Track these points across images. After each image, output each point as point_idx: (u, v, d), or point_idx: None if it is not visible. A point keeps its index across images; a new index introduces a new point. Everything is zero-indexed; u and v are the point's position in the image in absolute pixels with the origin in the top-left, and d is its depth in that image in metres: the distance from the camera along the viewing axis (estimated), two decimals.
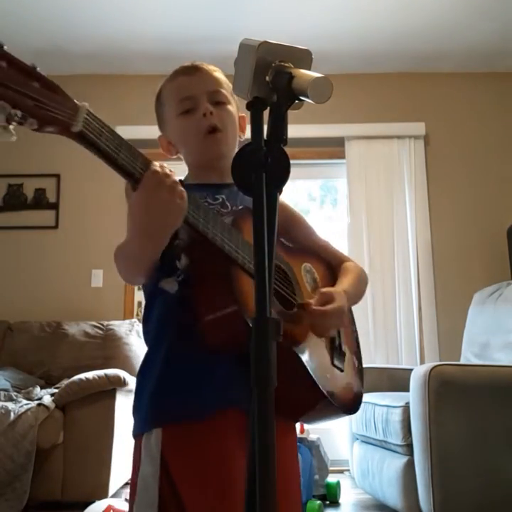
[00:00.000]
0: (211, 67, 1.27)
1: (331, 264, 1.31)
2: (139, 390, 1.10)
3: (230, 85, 1.25)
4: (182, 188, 0.97)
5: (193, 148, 1.23)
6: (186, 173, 1.29)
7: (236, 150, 1.23)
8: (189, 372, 1.04)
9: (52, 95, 0.85)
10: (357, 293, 1.25)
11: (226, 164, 1.21)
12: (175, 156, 1.29)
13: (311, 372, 1.04)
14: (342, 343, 1.21)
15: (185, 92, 1.23)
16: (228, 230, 1.02)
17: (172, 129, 1.26)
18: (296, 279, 1.17)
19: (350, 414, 1.17)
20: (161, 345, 1.08)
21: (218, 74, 1.27)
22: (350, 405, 1.17)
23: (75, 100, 0.88)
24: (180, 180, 1.22)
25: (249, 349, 0.96)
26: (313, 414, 1.13)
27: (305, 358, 1.05)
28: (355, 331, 1.33)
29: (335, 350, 1.18)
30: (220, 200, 1.19)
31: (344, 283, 1.21)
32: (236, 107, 1.28)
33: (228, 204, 1.19)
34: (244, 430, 1.01)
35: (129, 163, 0.93)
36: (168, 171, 0.97)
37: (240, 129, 1.29)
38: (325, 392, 1.06)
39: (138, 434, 1.07)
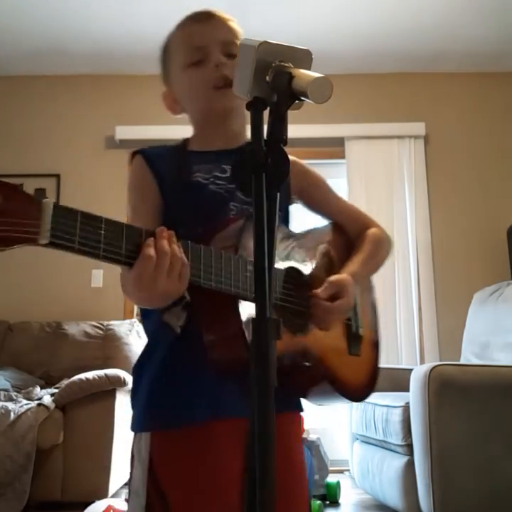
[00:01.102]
0: (226, 16, 1.17)
1: (353, 234, 1.25)
2: (136, 386, 1.08)
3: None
4: (183, 262, 0.85)
5: (200, 101, 1.12)
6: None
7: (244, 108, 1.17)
8: (184, 379, 1.01)
9: (9, 206, 0.71)
10: (372, 267, 1.22)
11: (235, 122, 1.15)
12: (179, 116, 1.18)
13: (319, 361, 1.04)
14: (359, 326, 1.17)
15: (197, 41, 1.12)
16: (234, 272, 0.92)
17: (178, 82, 1.15)
18: (312, 275, 1.10)
19: (358, 402, 1.17)
20: (160, 346, 1.05)
21: (233, 24, 1.17)
22: (360, 394, 1.15)
23: (37, 200, 0.74)
24: (184, 144, 1.16)
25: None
26: (316, 393, 1.10)
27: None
28: (373, 303, 1.28)
29: (351, 337, 1.14)
30: (228, 172, 1.11)
31: (354, 263, 1.16)
32: None
33: None
34: (239, 439, 0.98)
35: (114, 252, 0.81)
36: (166, 248, 0.83)
37: None
38: (330, 379, 1.06)
39: (133, 430, 1.07)
